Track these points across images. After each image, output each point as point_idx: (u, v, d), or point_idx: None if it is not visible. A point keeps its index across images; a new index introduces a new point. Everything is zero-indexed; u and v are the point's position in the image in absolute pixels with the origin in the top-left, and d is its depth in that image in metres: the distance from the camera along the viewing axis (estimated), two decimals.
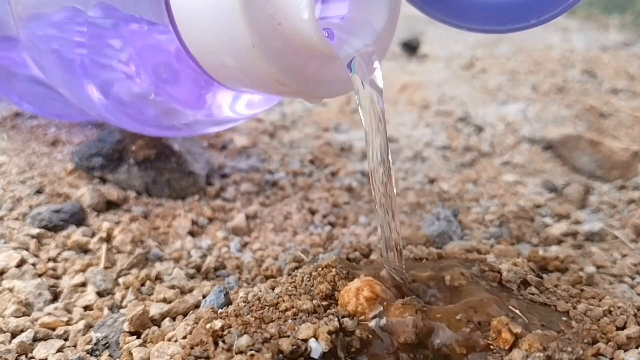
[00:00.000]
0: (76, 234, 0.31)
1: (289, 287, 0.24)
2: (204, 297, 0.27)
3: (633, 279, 0.30)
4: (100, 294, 0.28)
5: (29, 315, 0.26)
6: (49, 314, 0.26)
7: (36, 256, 0.29)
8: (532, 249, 0.32)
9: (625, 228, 0.35)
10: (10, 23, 0.29)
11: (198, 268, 0.31)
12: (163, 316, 0.26)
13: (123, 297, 0.27)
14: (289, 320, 0.22)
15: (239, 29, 0.21)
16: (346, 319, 0.22)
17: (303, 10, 0.20)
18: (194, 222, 0.34)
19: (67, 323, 0.25)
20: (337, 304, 0.23)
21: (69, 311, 0.26)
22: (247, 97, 0.29)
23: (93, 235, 0.31)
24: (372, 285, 0.23)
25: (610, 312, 0.24)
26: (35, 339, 0.24)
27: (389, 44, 0.27)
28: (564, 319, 0.23)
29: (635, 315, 0.24)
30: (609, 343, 0.22)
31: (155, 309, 0.26)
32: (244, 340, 0.20)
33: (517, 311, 0.23)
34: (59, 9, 0.26)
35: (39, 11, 0.28)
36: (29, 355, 0.23)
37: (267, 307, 0.23)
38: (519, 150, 0.49)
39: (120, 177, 0.36)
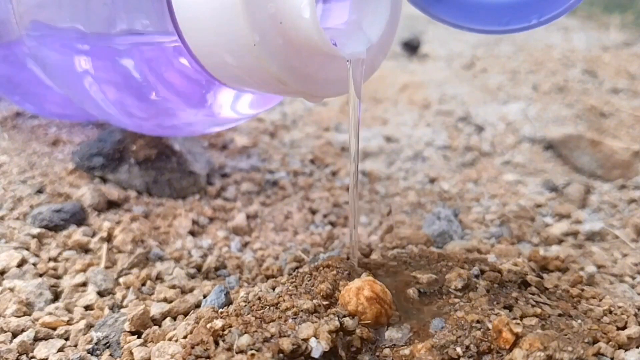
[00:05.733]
0: (77, 234, 0.31)
1: (290, 287, 0.24)
2: (204, 296, 0.27)
3: (634, 278, 0.30)
4: (101, 294, 0.28)
5: (29, 314, 0.26)
6: (49, 313, 0.26)
7: (37, 256, 0.29)
8: (532, 249, 0.32)
9: (626, 228, 0.35)
10: (12, 22, 0.29)
11: (199, 268, 0.31)
12: (164, 316, 0.26)
13: (124, 297, 0.27)
14: (290, 320, 0.22)
15: (241, 27, 0.21)
16: (347, 318, 0.22)
17: (304, 9, 0.21)
18: (194, 222, 0.34)
19: (68, 323, 0.25)
20: (337, 304, 0.23)
21: (69, 311, 0.26)
22: (248, 97, 0.29)
23: (94, 234, 0.31)
24: (372, 284, 0.23)
25: (610, 311, 0.24)
26: (36, 339, 0.24)
27: (390, 44, 0.27)
28: (565, 318, 0.23)
29: (635, 315, 0.24)
30: (610, 343, 0.22)
31: (155, 309, 0.26)
32: (245, 339, 0.20)
33: None
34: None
35: (41, 11, 0.28)
36: (30, 354, 0.23)
37: (268, 307, 0.23)
38: (519, 150, 0.49)
39: (121, 177, 0.36)
